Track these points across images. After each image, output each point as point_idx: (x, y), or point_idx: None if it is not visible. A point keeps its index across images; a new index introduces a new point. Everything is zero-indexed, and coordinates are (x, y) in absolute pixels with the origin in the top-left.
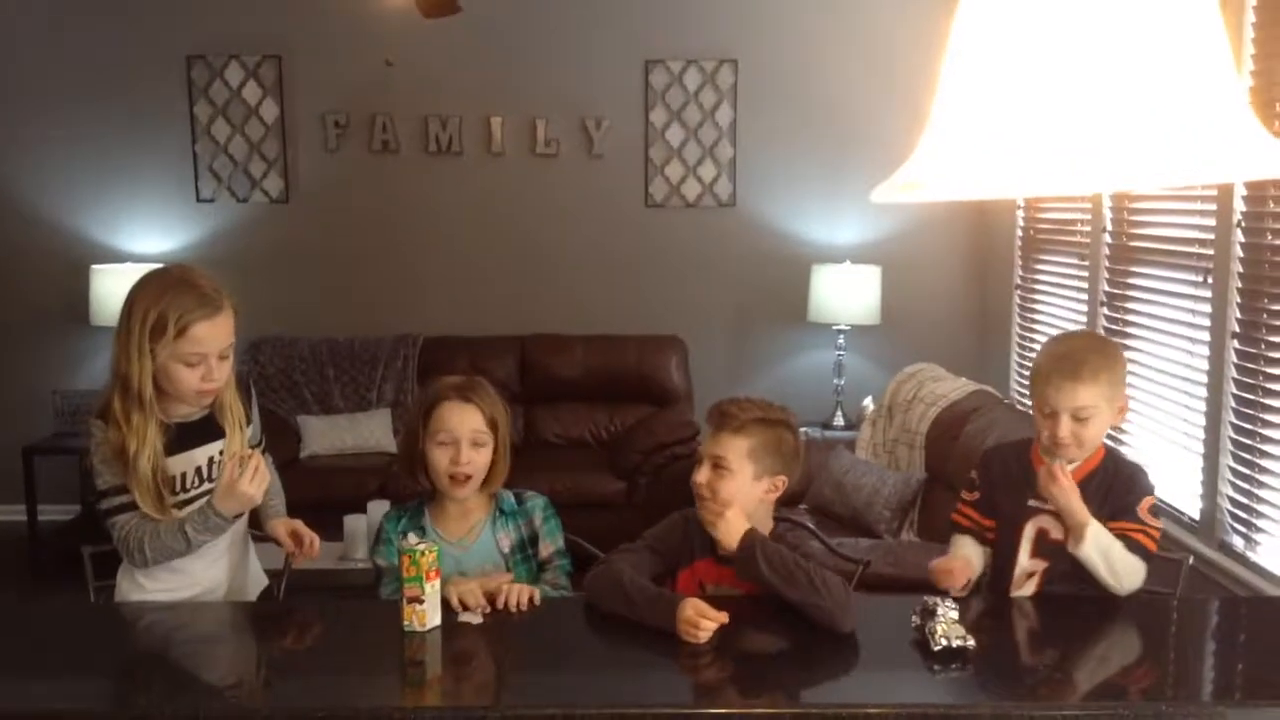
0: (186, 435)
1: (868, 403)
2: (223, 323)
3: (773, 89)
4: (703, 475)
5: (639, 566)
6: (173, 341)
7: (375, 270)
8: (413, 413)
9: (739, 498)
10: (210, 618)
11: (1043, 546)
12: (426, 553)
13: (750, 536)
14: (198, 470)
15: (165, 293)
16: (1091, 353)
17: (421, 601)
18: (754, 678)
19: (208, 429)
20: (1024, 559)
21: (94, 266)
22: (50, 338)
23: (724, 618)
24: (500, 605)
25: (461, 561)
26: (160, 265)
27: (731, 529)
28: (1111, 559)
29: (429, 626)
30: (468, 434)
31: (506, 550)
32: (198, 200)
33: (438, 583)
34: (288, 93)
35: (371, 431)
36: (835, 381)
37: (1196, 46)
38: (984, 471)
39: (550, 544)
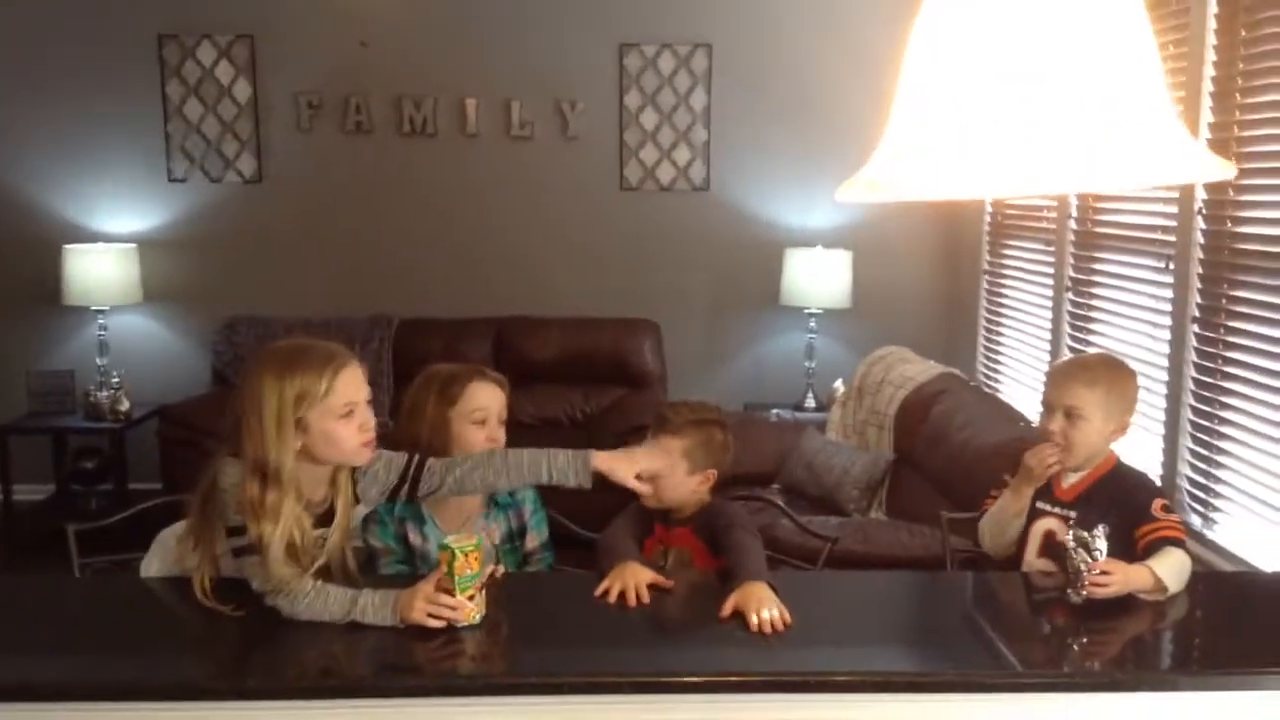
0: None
1: (838, 385)
2: (358, 368)
3: (746, 74)
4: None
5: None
6: (322, 400)
7: (350, 251)
8: (431, 400)
9: (678, 491)
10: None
11: (1049, 547)
12: (470, 553)
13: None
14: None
15: (294, 364)
16: (1101, 363)
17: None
18: (737, 649)
19: (327, 517)
20: (1031, 557)
21: (66, 246)
22: (22, 318)
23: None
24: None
25: None
26: (280, 342)
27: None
28: (1179, 573)
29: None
30: (497, 411)
31: (496, 541)
32: (170, 180)
33: (479, 580)
34: (260, 72)
35: None
36: (806, 364)
37: (1131, 63)
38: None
39: (536, 537)
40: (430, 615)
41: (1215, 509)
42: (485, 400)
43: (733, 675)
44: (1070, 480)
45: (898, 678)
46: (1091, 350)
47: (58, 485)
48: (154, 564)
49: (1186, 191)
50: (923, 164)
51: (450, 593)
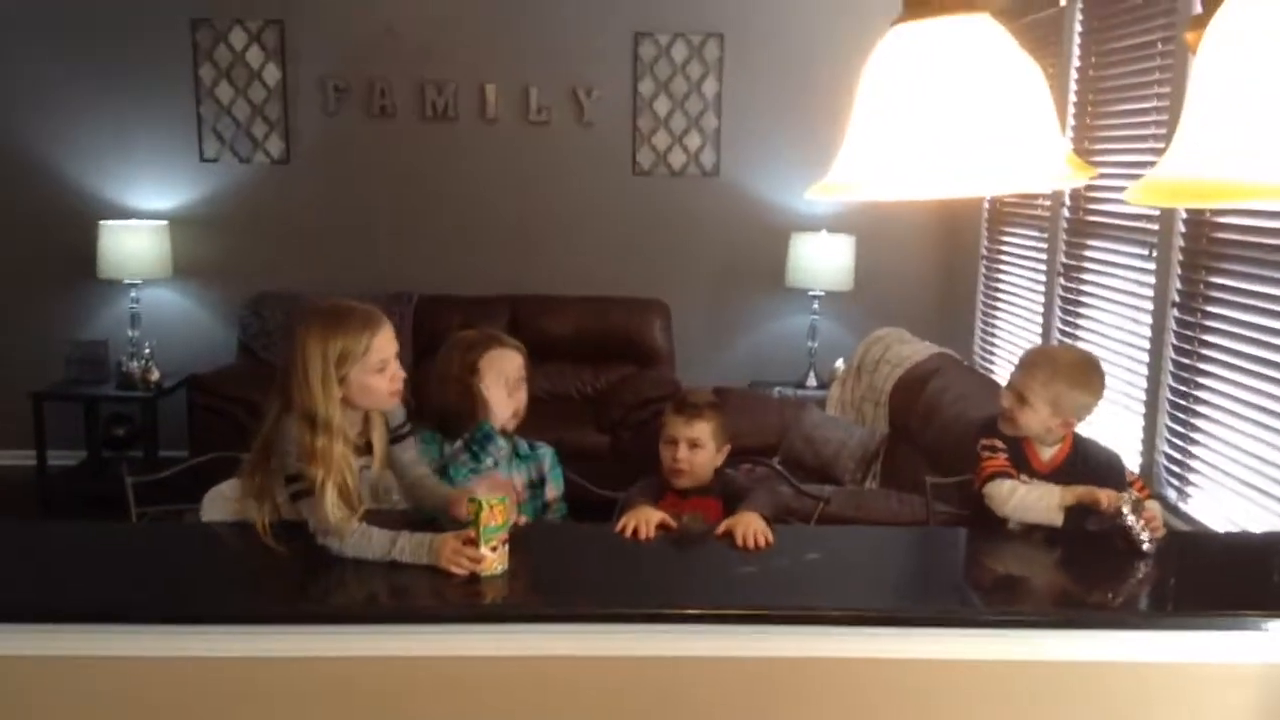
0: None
1: (839, 364)
2: (390, 327)
3: (757, 63)
4: (682, 453)
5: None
6: (361, 358)
7: (373, 230)
8: (455, 366)
9: (708, 467)
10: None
11: None
12: (495, 506)
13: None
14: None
15: (337, 325)
16: (1068, 366)
17: (476, 545)
18: (738, 588)
19: (365, 449)
20: (1013, 524)
21: (102, 222)
22: (60, 290)
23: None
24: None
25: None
26: (330, 302)
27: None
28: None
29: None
30: (517, 374)
31: (519, 487)
32: (201, 160)
33: (503, 532)
34: (289, 57)
35: None
36: (809, 344)
37: (1029, 97)
38: (1000, 437)
39: (554, 489)
40: (456, 565)
41: (1190, 483)
42: (510, 367)
43: (732, 609)
44: (1046, 455)
45: (877, 614)
46: (1080, 335)
47: (89, 451)
48: (212, 517)
49: None
50: (864, 173)
51: (475, 544)
